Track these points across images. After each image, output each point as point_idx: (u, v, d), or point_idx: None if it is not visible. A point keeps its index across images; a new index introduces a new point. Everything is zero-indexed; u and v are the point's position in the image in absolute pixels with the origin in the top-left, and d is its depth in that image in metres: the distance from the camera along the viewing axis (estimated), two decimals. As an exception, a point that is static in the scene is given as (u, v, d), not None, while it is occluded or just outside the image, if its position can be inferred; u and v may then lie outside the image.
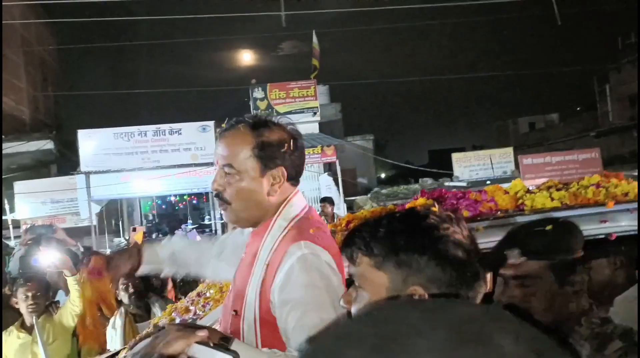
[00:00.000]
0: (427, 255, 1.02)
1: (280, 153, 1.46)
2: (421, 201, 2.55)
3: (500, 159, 17.61)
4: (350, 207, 16.29)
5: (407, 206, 2.56)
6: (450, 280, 1.05)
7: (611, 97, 27.28)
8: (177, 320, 2.55)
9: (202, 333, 1.16)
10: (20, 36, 19.63)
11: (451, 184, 15.82)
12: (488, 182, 14.78)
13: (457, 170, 17.37)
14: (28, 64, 20.65)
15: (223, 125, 1.53)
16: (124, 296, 3.88)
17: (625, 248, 1.96)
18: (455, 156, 17.58)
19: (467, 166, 17.44)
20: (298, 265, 1.33)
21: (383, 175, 29.92)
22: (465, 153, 18.99)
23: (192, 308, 2.63)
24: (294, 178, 1.51)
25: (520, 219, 2.14)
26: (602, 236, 2.03)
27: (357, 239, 1.10)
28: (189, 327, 1.21)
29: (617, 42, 28.50)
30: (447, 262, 1.03)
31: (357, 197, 17.52)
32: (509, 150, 17.96)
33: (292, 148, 1.48)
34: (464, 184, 15.35)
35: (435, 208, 1.44)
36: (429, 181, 17.45)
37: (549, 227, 1.59)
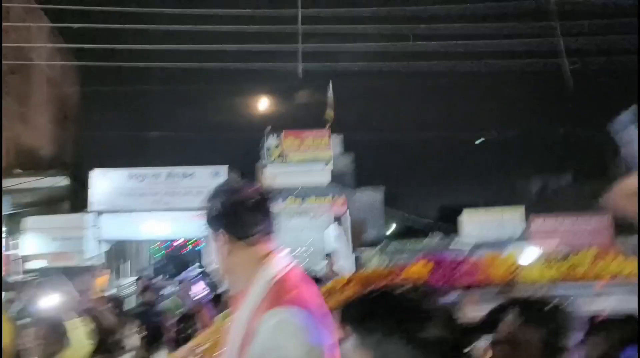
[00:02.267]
0: (404, 337, 1.08)
1: (215, 218, 1.60)
2: (421, 264, 2.58)
3: (511, 217, 17.51)
4: (357, 260, 16.19)
5: (407, 269, 2.58)
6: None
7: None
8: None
9: None
10: (45, 75, 20.27)
11: (456, 246, 15.72)
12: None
13: (467, 227, 17.27)
14: (50, 103, 21.23)
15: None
16: (134, 340, 3.91)
17: (619, 326, 1.95)
18: (465, 212, 17.53)
19: (478, 223, 17.35)
20: (272, 334, 1.36)
21: (392, 228, 29.80)
22: (476, 209, 18.90)
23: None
24: (246, 238, 1.55)
25: (515, 292, 2.15)
26: (594, 314, 2.03)
27: (345, 319, 1.20)
28: None
29: (629, 104, 28.62)
30: (423, 342, 1.08)
31: (365, 250, 17.42)
32: (521, 209, 17.87)
33: (224, 212, 1.57)
34: (468, 247, 15.25)
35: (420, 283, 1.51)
36: (436, 239, 17.35)
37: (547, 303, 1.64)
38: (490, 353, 1.65)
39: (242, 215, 1.56)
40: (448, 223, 18.58)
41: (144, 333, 3.87)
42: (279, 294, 1.45)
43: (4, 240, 13.03)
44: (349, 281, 2.54)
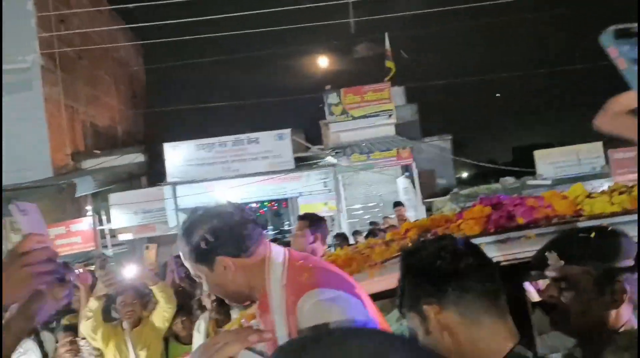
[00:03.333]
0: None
1: (206, 250, 1.53)
2: (478, 208, 2.55)
3: (588, 154, 16.71)
4: (429, 209, 16.08)
5: (465, 213, 2.57)
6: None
7: None
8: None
9: (253, 338, 1.22)
10: (110, 57, 21.05)
11: (534, 182, 15.23)
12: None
13: (541, 168, 16.68)
14: (119, 83, 22.10)
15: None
16: (207, 302, 4.12)
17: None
18: (537, 154, 16.91)
19: (552, 163, 16.70)
20: (319, 309, 1.41)
21: (464, 175, 29.22)
22: (549, 149, 18.17)
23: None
24: (244, 252, 1.55)
25: (576, 225, 2.11)
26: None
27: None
28: (243, 332, 1.26)
29: None
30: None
31: (436, 198, 17.25)
32: (598, 145, 16.96)
33: (213, 240, 1.52)
34: (548, 182, 14.74)
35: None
36: (510, 179, 16.85)
37: (592, 234, 1.59)
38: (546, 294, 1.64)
39: (235, 232, 1.55)
40: (522, 166, 17.98)
41: (214, 296, 4.06)
42: (299, 283, 1.49)
43: (93, 217, 13.91)
44: (407, 230, 2.56)
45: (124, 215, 15.09)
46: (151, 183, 16.63)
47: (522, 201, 2.45)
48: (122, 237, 15.12)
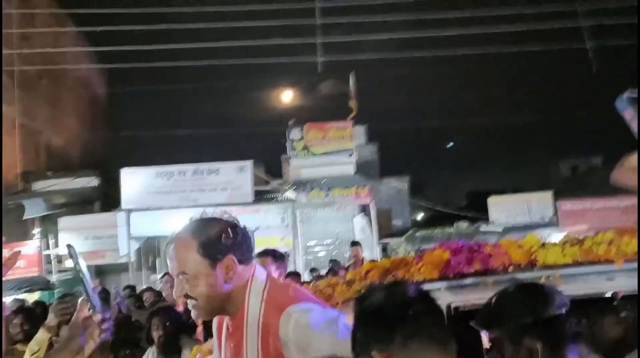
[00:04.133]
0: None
1: (221, 245, 1.59)
2: (438, 252, 2.62)
3: (539, 203, 17.27)
4: (385, 249, 16.22)
5: (424, 257, 2.62)
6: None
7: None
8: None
9: None
10: (72, 78, 20.71)
11: (486, 229, 15.61)
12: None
13: (494, 214, 17.11)
14: (79, 105, 21.70)
15: (167, 241, 1.68)
16: (155, 336, 4.00)
17: (632, 306, 1.98)
18: (491, 200, 17.36)
19: (504, 210, 17.17)
20: (305, 321, 1.48)
21: (420, 217, 29.66)
22: (501, 196, 18.69)
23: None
24: (246, 260, 1.63)
25: (530, 274, 2.19)
26: (610, 295, 2.06)
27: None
28: None
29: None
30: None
31: (392, 239, 17.43)
32: (549, 195, 17.58)
33: (232, 237, 1.60)
34: (499, 229, 15.13)
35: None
36: (464, 224, 17.24)
37: (496, 296, 1.72)
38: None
39: (247, 238, 1.65)
40: (475, 211, 18.44)
41: (162, 331, 3.96)
42: (279, 300, 1.57)
43: (40, 241, 13.42)
44: (367, 271, 2.60)
45: (73, 240, 14.59)
46: (104, 209, 16.23)
47: (480, 248, 2.53)
48: (69, 263, 14.58)
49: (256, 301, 1.57)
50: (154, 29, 12.97)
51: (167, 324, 3.91)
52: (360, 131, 20.82)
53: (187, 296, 1.59)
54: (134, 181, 14.57)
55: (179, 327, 4.02)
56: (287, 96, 24.32)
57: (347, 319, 1.51)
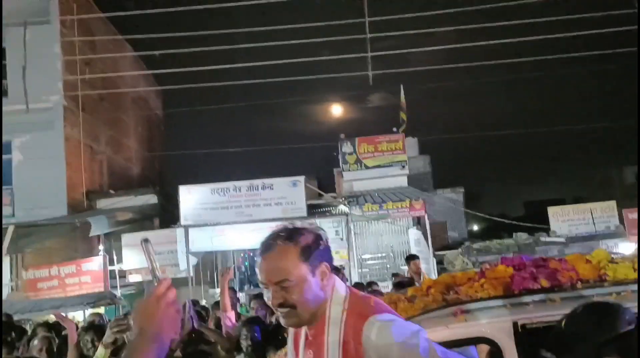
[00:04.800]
0: None
1: (318, 251, 1.63)
2: (501, 268, 2.58)
3: (602, 213, 16.59)
4: (441, 262, 15.95)
5: (487, 272, 2.58)
6: None
7: None
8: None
9: None
10: (131, 100, 21.57)
11: (547, 239, 15.11)
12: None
13: (555, 225, 16.55)
14: (138, 125, 22.54)
15: (259, 248, 1.69)
16: (243, 345, 4.11)
17: None
18: (551, 210, 16.80)
19: (566, 220, 16.58)
20: (388, 331, 1.50)
21: (475, 228, 29.05)
22: (562, 206, 18.06)
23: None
24: (332, 268, 1.67)
25: (600, 291, 2.13)
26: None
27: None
28: None
29: None
30: None
31: (448, 251, 17.12)
32: (612, 203, 16.87)
33: (325, 244, 1.65)
34: (562, 240, 14.62)
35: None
36: (524, 235, 16.72)
37: (563, 323, 1.67)
38: None
39: (330, 247, 1.69)
40: (534, 221, 17.87)
41: (255, 337, 4.05)
42: (361, 309, 1.58)
43: (104, 257, 13.93)
44: (429, 286, 2.58)
45: (135, 256, 15.10)
46: (163, 225, 16.70)
47: (546, 263, 2.48)
48: (132, 278, 15.09)
49: (338, 310, 1.59)
50: (205, 50, 13.39)
51: (256, 334, 4.01)
52: (412, 143, 20.70)
53: (283, 305, 1.58)
54: (191, 197, 14.96)
55: (267, 338, 4.10)
56: (337, 110, 24.46)
57: (426, 334, 1.54)
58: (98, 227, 15.09)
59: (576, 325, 1.65)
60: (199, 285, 15.84)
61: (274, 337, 4.12)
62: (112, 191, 17.98)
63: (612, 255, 2.48)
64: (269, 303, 1.63)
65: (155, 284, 1.43)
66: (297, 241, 1.61)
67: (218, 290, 15.69)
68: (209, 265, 17.73)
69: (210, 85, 13.77)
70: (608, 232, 15.16)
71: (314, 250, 1.62)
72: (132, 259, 14.96)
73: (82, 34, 17.03)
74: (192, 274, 14.95)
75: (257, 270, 1.67)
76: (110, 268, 14.34)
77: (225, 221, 14.46)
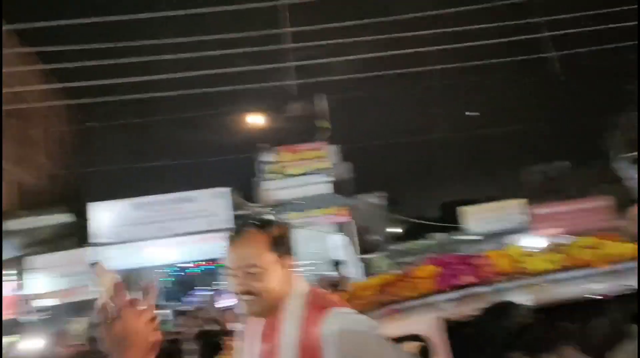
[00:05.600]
0: None
1: (287, 243, 1.67)
2: (428, 268, 2.68)
3: (513, 210, 17.59)
4: (367, 265, 16.26)
5: (417, 272, 2.68)
6: None
7: (622, 144, 27.41)
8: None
9: None
10: (41, 116, 20.44)
11: (464, 238, 15.82)
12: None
13: (470, 223, 17.36)
14: (50, 141, 21.39)
15: (230, 233, 1.67)
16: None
17: (619, 306, 2.07)
18: (466, 209, 17.61)
19: (480, 218, 17.44)
20: (348, 323, 1.51)
21: (397, 231, 29.82)
22: (475, 206, 18.98)
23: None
24: (294, 263, 1.69)
25: (520, 283, 2.27)
26: (597, 297, 2.15)
27: None
28: None
29: (621, 91, 29.00)
30: None
31: (373, 255, 17.49)
32: (522, 201, 17.94)
33: (291, 238, 1.68)
34: (478, 237, 15.35)
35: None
36: (442, 235, 17.45)
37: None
38: None
39: (291, 239, 1.72)
40: (451, 221, 18.66)
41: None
42: (322, 302, 1.60)
43: (15, 283, 13.07)
44: (361, 289, 2.65)
45: (48, 279, 14.28)
46: (80, 244, 15.93)
47: (468, 260, 2.61)
48: (46, 302, 14.23)
49: (298, 304, 1.60)
50: (118, 62, 12.88)
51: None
52: (334, 151, 20.98)
53: (248, 292, 1.58)
54: (105, 214, 14.37)
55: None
56: (259, 120, 24.36)
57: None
58: (6, 251, 14.16)
59: (480, 328, 1.78)
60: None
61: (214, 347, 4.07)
62: (22, 212, 16.91)
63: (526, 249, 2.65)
64: (235, 289, 1.61)
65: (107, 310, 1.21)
66: (268, 231, 1.63)
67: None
68: (129, 284, 17.06)
69: (126, 98, 13.30)
70: (519, 228, 16.09)
71: (283, 241, 1.65)
72: (43, 282, 14.13)
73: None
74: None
75: (226, 255, 1.66)
76: (20, 293, 13.47)
77: (146, 236, 14.01)
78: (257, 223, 1.66)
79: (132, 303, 1.17)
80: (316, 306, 1.57)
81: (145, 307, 1.16)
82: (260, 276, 1.58)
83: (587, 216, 13.45)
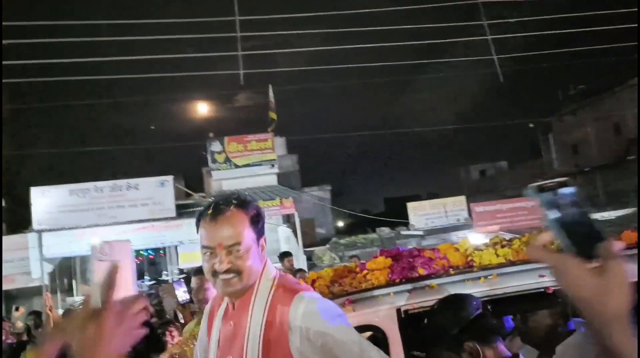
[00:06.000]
0: None
1: (263, 223, 1.68)
2: (380, 259, 2.74)
3: (454, 207, 18.12)
4: (309, 258, 16.37)
5: (368, 264, 2.74)
6: None
7: (555, 146, 28.77)
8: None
9: None
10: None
11: (407, 233, 16.18)
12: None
13: (413, 218, 17.77)
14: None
15: (209, 211, 1.62)
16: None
17: (561, 300, 2.19)
18: (410, 205, 18.01)
19: (423, 214, 17.88)
20: (315, 308, 1.53)
21: (341, 224, 30.17)
22: (420, 201, 19.45)
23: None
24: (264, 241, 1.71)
25: (470, 275, 2.36)
26: (541, 290, 2.26)
27: None
28: None
29: (558, 95, 30.35)
30: None
31: (316, 248, 17.63)
32: (462, 198, 18.51)
33: (264, 218, 1.69)
34: (420, 233, 15.75)
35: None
36: (386, 230, 17.75)
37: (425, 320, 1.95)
38: None
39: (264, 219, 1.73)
40: (394, 216, 19.03)
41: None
42: (290, 286, 1.62)
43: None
44: (313, 280, 2.68)
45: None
46: (12, 230, 15.24)
47: (420, 253, 2.69)
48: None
49: (267, 285, 1.62)
50: (62, 41, 12.37)
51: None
52: (280, 143, 20.95)
53: (230, 270, 1.57)
54: (45, 200, 13.81)
55: (148, 344, 3.91)
56: (205, 109, 23.99)
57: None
58: None
59: (434, 320, 1.87)
60: (55, 294, 14.67)
61: (156, 341, 3.99)
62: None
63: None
64: (215, 268, 1.57)
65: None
66: (248, 210, 1.63)
67: (77, 298, 14.70)
68: (67, 272, 16.50)
69: (64, 79, 12.76)
70: (459, 224, 16.60)
71: (261, 221, 1.66)
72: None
73: None
74: (46, 282, 13.81)
75: (202, 234, 1.62)
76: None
77: (85, 224, 13.55)
78: (237, 202, 1.64)
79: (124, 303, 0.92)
80: (286, 289, 1.59)
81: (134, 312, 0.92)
82: (242, 255, 1.58)
83: (524, 214, 14.03)
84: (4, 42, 12.67)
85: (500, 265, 2.41)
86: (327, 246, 17.83)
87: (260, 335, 1.54)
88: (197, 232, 1.65)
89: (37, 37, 12.27)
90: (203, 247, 1.61)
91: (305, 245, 16.41)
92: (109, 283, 0.93)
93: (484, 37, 11.24)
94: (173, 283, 4.69)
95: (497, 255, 2.51)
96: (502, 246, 2.63)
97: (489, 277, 2.31)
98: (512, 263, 2.42)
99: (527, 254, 2.04)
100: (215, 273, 1.58)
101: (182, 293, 4.17)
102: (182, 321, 4.42)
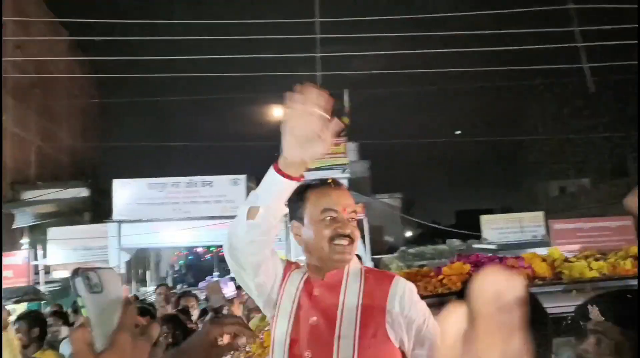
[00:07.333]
0: None
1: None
2: (458, 265, 2.59)
3: (529, 223, 17.34)
4: (377, 265, 16.15)
5: (444, 269, 2.60)
6: None
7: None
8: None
9: None
10: (65, 88, 20.58)
11: (479, 246, 15.61)
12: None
13: (486, 232, 17.14)
14: (71, 115, 21.53)
15: (330, 180, 1.73)
16: (163, 344, 3.93)
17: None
18: (484, 218, 17.39)
19: (496, 228, 17.21)
20: (413, 291, 1.63)
21: (410, 234, 29.69)
22: (494, 215, 18.77)
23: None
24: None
25: (558, 288, 2.17)
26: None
27: None
28: None
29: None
30: None
31: (384, 256, 17.37)
32: (540, 214, 17.67)
33: None
34: (493, 246, 15.14)
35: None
36: (456, 242, 17.23)
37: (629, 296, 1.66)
38: None
39: None
40: (466, 228, 18.45)
41: (177, 334, 3.91)
42: (379, 270, 1.77)
43: (28, 251, 13.18)
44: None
45: (61, 251, 14.41)
46: (94, 220, 16.03)
47: (503, 261, 2.51)
48: (57, 274, 14.36)
49: (357, 266, 1.69)
50: (149, 39, 12.92)
51: (177, 332, 3.87)
52: (352, 148, 20.86)
53: (348, 236, 1.63)
54: (125, 192, 14.43)
55: (188, 335, 3.95)
56: (280, 111, 24.32)
57: None
58: (22, 219, 14.29)
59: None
60: (130, 283, 15.29)
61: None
62: (39, 183, 17.06)
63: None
64: (339, 231, 1.62)
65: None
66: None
67: (150, 289, 15.24)
68: (142, 263, 17.17)
69: (149, 76, 13.31)
70: (535, 241, 15.84)
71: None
72: (58, 254, 14.26)
73: (15, 15, 16.09)
74: (122, 271, 14.41)
75: (322, 200, 1.67)
76: (34, 262, 13.59)
77: (161, 217, 14.04)
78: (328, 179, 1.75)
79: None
80: (377, 272, 1.70)
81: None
82: (355, 224, 1.68)
83: (607, 235, 13.20)
84: (98, 38, 13.41)
85: (594, 279, 2.20)
86: (395, 254, 17.54)
87: (358, 304, 1.58)
88: (300, 200, 1.69)
89: (128, 35, 12.87)
90: (325, 210, 1.65)
91: (373, 252, 16.22)
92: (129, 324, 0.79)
93: (573, 45, 10.66)
94: (219, 281, 4.73)
95: (591, 268, 2.30)
96: (596, 259, 2.41)
97: (581, 290, 2.11)
98: (608, 278, 2.21)
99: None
100: (333, 238, 1.62)
101: (230, 289, 4.20)
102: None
